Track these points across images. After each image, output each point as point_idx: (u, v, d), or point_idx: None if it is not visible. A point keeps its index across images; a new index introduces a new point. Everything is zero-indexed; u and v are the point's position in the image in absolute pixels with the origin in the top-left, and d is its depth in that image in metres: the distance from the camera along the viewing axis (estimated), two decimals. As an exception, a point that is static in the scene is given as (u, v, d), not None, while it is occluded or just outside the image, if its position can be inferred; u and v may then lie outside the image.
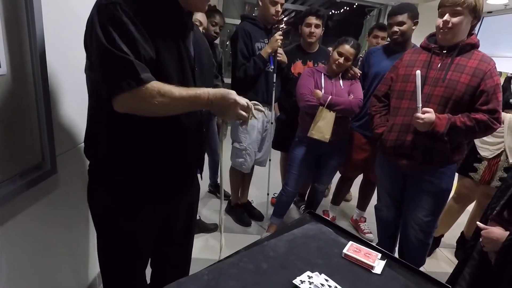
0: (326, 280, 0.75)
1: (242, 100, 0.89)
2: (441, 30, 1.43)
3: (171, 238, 1.14)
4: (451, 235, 2.37)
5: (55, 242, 1.20)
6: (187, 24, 0.94)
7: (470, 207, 2.29)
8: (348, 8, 6.17)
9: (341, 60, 1.92)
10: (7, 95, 0.87)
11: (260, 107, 0.99)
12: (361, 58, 2.55)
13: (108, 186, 0.95)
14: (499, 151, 1.93)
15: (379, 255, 0.87)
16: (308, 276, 0.76)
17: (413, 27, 2.01)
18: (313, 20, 2.13)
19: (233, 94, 0.88)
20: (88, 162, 0.99)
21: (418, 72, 1.41)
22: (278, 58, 2.04)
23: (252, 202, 2.59)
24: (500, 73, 2.71)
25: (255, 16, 2.11)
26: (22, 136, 0.94)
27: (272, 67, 2.06)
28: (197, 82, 0.95)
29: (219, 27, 2.24)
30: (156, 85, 0.79)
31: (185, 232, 1.18)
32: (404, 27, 1.96)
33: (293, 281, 0.73)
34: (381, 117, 1.70)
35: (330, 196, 2.65)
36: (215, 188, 2.79)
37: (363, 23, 4.84)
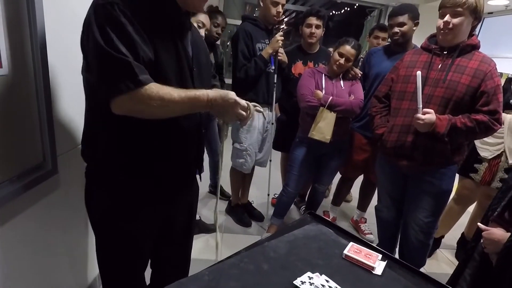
0: (327, 281, 0.75)
1: (242, 101, 0.89)
2: (442, 31, 1.43)
3: (170, 238, 1.13)
4: (452, 236, 2.36)
5: (55, 242, 1.20)
6: (185, 24, 0.93)
7: (471, 208, 2.29)
8: (348, 9, 6.18)
9: (342, 60, 1.92)
10: (8, 96, 0.87)
11: (259, 107, 1.00)
12: (361, 59, 2.55)
13: (107, 188, 0.94)
14: (499, 152, 1.93)
15: (380, 256, 0.87)
16: (308, 277, 0.76)
17: (414, 28, 2.01)
18: (313, 20, 2.13)
19: (232, 94, 0.87)
20: (87, 163, 0.98)
21: (419, 73, 1.41)
22: (278, 58, 2.04)
23: (252, 202, 2.59)
24: (501, 74, 2.71)
25: (256, 17, 2.11)
26: (23, 137, 0.94)
27: (273, 67, 2.06)
28: (196, 82, 0.95)
29: (221, 28, 2.24)
30: (154, 87, 0.78)
31: (184, 232, 1.18)
32: (404, 28, 1.96)
33: (294, 282, 0.73)
34: (381, 117, 1.70)
35: (331, 197, 2.65)
36: (215, 189, 2.79)
37: (363, 24, 4.85)
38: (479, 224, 1.18)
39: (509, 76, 2.02)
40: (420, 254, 1.74)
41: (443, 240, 2.34)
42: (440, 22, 1.43)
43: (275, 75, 2.08)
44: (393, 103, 1.63)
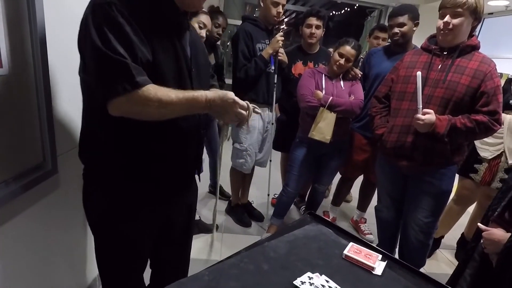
0: (327, 281, 0.75)
1: (241, 101, 0.87)
2: (442, 32, 1.43)
3: (170, 239, 1.13)
4: (452, 237, 2.36)
5: (55, 242, 1.20)
6: (183, 24, 0.92)
7: (471, 209, 2.29)
8: (349, 9, 6.18)
9: (342, 61, 1.92)
10: (8, 95, 0.87)
11: (258, 109, 0.99)
12: (361, 59, 2.55)
13: (104, 190, 0.93)
14: (499, 152, 1.93)
15: (380, 256, 0.87)
16: (308, 277, 0.76)
17: (414, 28, 2.01)
18: (313, 21, 2.13)
19: (231, 94, 0.86)
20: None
21: (419, 73, 1.41)
22: (279, 58, 2.04)
23: (252, 202, 2.59)
24: (501, 74, 2.71)
25: (256, 17, 2.11)
26: (23, 136, 0.94)
27: (273, 68, 2.06)
28: (194, 83, 0.94)
29: (222, 28, 2.24)
30: (152, 88, 0.77)
31: (184, 233, 1.17)
32: (404, 29, 1.96)
33: (294, 282, 0.73)
34: (381, 118, 1.70)
35: (331, 197, 2.65)
36: (215, 189, 2.79)
37: (364, 24, 4.85)
38: (479, 224, 1.18)
39: (509, 76, 2.03)
40: (420, 254, 1.74)
41: (443, 240, 2.34)
42: (440, 23, 1.43)
43: (275, 75, 2.08)
44: (393, 104, 1.63)
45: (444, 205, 1.66)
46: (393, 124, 1.60)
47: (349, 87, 2.02)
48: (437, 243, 2.29)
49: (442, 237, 2.32)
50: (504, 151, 1.92)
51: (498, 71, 1.46)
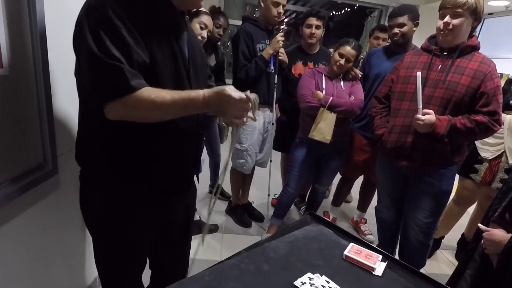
0: (327, 282, 0.75)
1: (238, 93, 0.80)
2: (442, 32, 1.43)
3: (169, 240, 1.13)
4: (452, 237, 2.36)
5: (55, 242, 1.20)
6: (180, 24, 0.91)
7: (471, 209, 2.29)
8: (349, 9, 6.19)
9: (342, 61, 1.92)
10: (9, 96, 0.87)
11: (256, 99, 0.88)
12: (362, 59, 2.55)
13: (102, 192, 0.92)
14: (499, 152, 1.93)
15: (380, 256, 0.87)
16: (309, 277, 0.76)
17: (414, 29, 2.01)
18: (313, 21, 2.14)
19: (228, 89, 0.80)
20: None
21: (419, 73, 1.41)
22: (279, 58, 2.04)
23: (252, 203, 2.59)
24: (501, 74, 2.71)
25: (257, 17, 2.12)
26: (23, 137, 0.94)
27: (273, 68, 2.06)
28: (193, 83, 0.93)
29: (223, 29, 2.24)
30: (146, 91, 0.75)
31: (183, 234, 1.17)
32: (404, 29, 1.96)
33: (294, 283, 0.73)
34: (381, 118, 1.70)
35: (331, 197, 2.65)
36: (215, 189, 2.79)
37: (364, 25, 4.85)
38: (479, 225, 1.18)
39: (510, 77, 2.03)
40: (420, 254, 1.74)
41: (443, 241, 2.34)
42: (440, 23, 1.43)
43: (276, 76, 2.08)
44: (393, 104, 1.63)
45: (444, 205, 1.66)
46: (393, 124, 1.60)
47: (349, 87, 2.02)
48: (437, 244, 2.29)
49: (443, 237, 2.32)
50: (504, 151, 1.92)
51: (498, 72, 1.46)
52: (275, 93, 2.11)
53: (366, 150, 2.20)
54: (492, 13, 4.02)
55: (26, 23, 0.90)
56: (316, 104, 1.91)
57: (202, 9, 1.77)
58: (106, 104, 0.76)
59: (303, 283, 0.73)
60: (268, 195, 2.41)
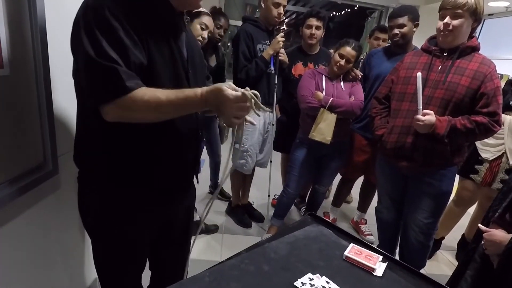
0: (327, 282, 0.75)
1: (234, 93, 0.77)
2: (442, 33, 1.43)
3: (169, 241, 1.12)
4: (452, 238, 2.36)
5: (56, 243, 1.20)
6: (179, 24, 0.90)
7: (471, 210, 2.28)
8: (349, 10, 6.19)
9: (342, 62, 1.92)
10: (9, 96, 0.87)
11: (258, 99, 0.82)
12: (362, 60, 2.55)
13: (100, 193, 0.91)
14: (500, 153, 1.93)
15: (380, 257, 0.87)
16: (309, 278, 0.76)
17: (414, 29, 2.01)
18: (314, 22, 2.14)
19: (224, 87, 0.77)
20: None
21: (419, 74, 1.41)
22: (280, 58, 2.05)
23: (252, 203, 2.59)
24: (501, 75, 2.71)
25: (257, 18, 2.12)
26: (23, 137, 0.94)
27: (273, 68, 2.07)
28: (192, 84, 0.92)
29: (224, 29, 2.24)
30: (140, 92, 0.74)
31: (183, 235, 1.17)
32: (404, 30, 1.97)
33: (294, 283, 0.73)
34: (381, 119, 1.70)
35: (331, 198, 2.65)
36: (216, 189, 2.79)
37: (364, 25, 4.86)
38: (480, 225, 1.18)
39: (510, 77, 2.03)
40: (420, 255, 1.74)
41: (443, 241, 2.34)
42: (440, 24, 1.43)
43: (276, 76, 2.08)
44: (393, 104, 1.64)
45: (444, 206, 1.66)
46: (393, 125, 1.60)
47: (349, 88, 2.02)
48: (437, 244, 2.29)
49: (443, 238, 2.32)
50: (505, 152, 1.92)
51: (498, 72, 1.46)
52: (275, 93, 2.11)
53: (366, 150, 2.20)
54: (492, 14, 4.03)
55: (27, 23, 0.90)
56: (316, 105, 1.92)
57: (203, 9, 1.77)
58: (103, 106, 0.75)
59: (303, 284, 0.73)
60: (268, 196, 2.41)
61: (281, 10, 1.98)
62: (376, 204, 1.92)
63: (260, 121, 2.12)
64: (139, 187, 0.91)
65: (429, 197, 1.59)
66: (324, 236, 0.96)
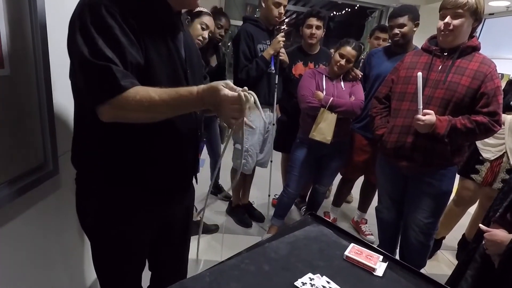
0: (328, 282, 0.75)
1: (231, 93, 0.75)
2: (442, 33, 1.43)
3: (168, 241, 1.12)
4: (453, 237, 2.36)
5: (56, 243, 1.20)
6: (176, 24, 0.89)
7: (472, 209, 2.28)
8: (349, 10, 6.19)
9: (343, 61, 1.92)
10: (10, 96, 0.87)
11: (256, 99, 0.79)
12: (362, 60, 2.55)
13: (98, 194, 0.90)
14: (501, 153, 1.93)
15: (381, 257, 0.87)
16: (309, 278, 0.76)
17: (414, 29, 2.01)
18: (314, 21, 2.14)
19: (220, 85, 0.75)
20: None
21: (419, 74, 1.41)
22: (280, 57, 2.04)
23: (253, 203, 2.59)
24: (502, 75, 2.71)
25: (257, 18, 2.12)
26: (24, 137, 0.95)
27: (273, 68, 2.06)
28: (190, 84, 0.90)
29: (224, 29, 2.24)
30: (133, 91, 0.72)
31: (182, 235, 1.17)
32: (405, 29, 1.97)
33: (295, 283, 0.73)
34: (381, 118, 1.70)
35: (331, 198, 2.65)
36: (216, 189, 2.79)
37: (364, 25, 4.85)
38: (480, 225, 1.18)
39: (510, 77, 2.03)
40: (421, 255, 1.74)
41: (444, 241, 2.34)
42: (441, 24, 1.43)
43: (276, 76, 2.08)
44: (393, 104, 1.63)
45: (444, 206, 1.66)
46: (393, 124, 1.60)
47: (350, 87, 2.02)
48: (438, 244, 2.29)
49: (443, 238, 2.32)
50: (506, 152, 1.92)
51: (499, 72, 1.46)
52: (275, 93, 2.11)
53: (367, 150, 2.20)
54: (492, 14, 4.02)
55: (27, 23, 0.90)
56: (316, 105, 1.91)
57: (203, 9, 1.77)
58: (99, 106, 0.74)
59: (303, 284, 0.73)
60: (269, 196, 2.41)
61: (282, 9, 1.98)
62: (376, 204, 1.92)
63: (261, 121, 2.12)
64: (138, 188, 0.90)
65: (429, 197, 1.59)
66: (324, 236, 0.96)
